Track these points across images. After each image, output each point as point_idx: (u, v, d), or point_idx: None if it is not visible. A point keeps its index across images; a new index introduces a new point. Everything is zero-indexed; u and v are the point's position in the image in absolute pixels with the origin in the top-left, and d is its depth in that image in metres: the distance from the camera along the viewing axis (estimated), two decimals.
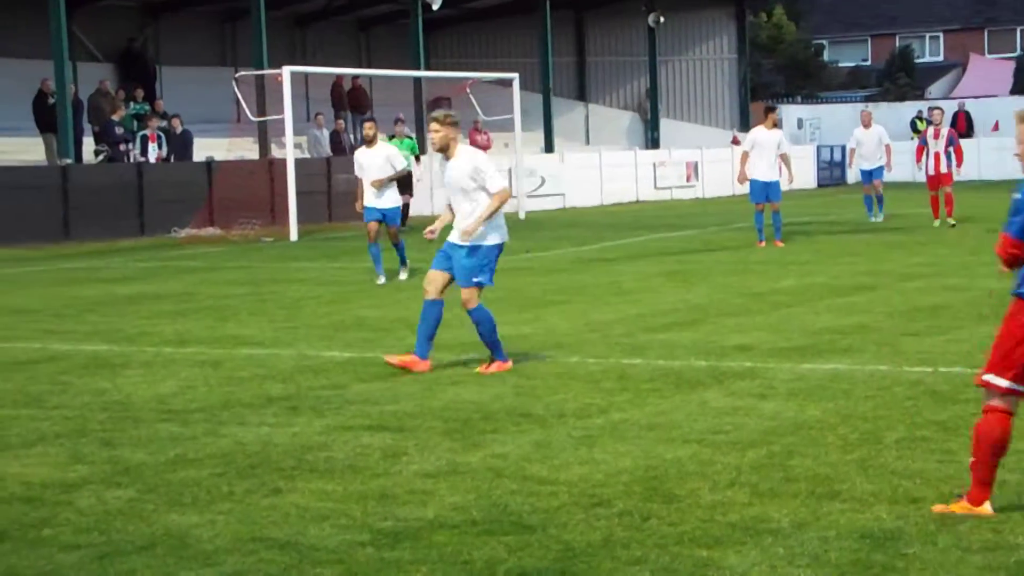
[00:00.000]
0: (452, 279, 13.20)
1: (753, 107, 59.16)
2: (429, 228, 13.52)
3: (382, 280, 21.20)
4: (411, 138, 34.84)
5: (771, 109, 27.34)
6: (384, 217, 21.32)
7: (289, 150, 33.54)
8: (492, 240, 13.08)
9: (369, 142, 21.22)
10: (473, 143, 44.76)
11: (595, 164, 47.23)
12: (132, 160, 35.17)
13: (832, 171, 55.44)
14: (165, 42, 46.08)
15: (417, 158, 34.57)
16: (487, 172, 13.07)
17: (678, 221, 34.59)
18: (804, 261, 23.17)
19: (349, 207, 33.98)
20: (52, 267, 24.49)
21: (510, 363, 12.95)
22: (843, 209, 36.17)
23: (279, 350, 14.45)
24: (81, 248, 29.54)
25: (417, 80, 43.88)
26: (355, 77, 45.83)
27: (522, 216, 39.79)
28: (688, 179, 49.80)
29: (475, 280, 13.01)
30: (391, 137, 34.44)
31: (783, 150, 26.19)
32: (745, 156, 26.51)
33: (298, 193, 32.62)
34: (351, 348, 14.46)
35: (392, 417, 10.74)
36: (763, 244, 26.03)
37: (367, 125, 21.56)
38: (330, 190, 37.44)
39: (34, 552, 7.28)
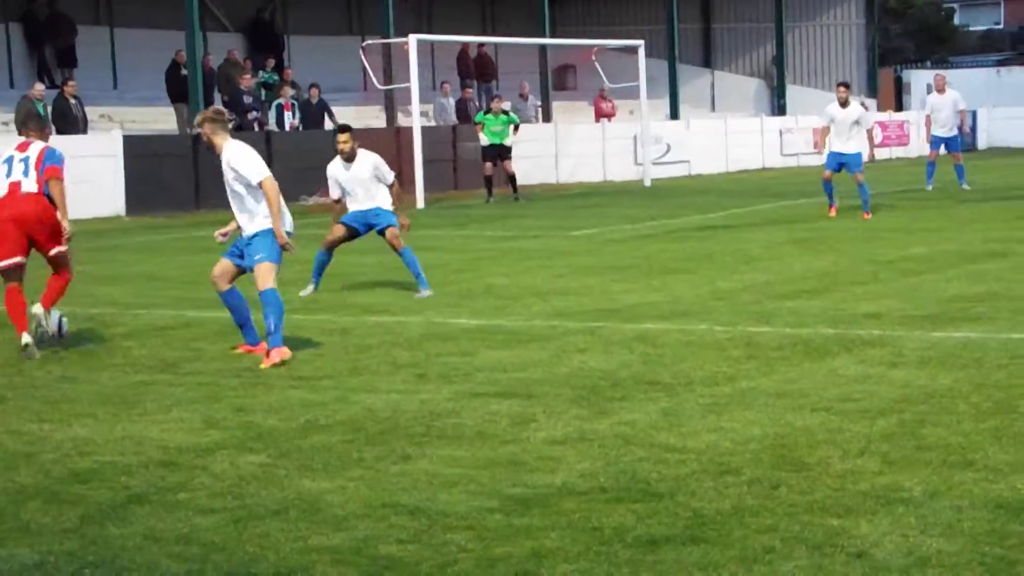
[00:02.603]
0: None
1: (882, 74, 58.49)
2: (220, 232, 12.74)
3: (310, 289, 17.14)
4: (507, 113, 34.75)
5: (843, 85, 27.16)
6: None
7: (415, 118, 33.69)
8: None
9: (348, 157, 16.93)
10: (598, 111, 44.73)
11: (721, 131, 46.96)
12: (260, 128, 35.50)
13: (963, 136, 54.57)
14: (293, 11, 46.42)
15: (516, 128, 34.54)
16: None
17: (805, 188, 34.28)
18: (935, 228, 22.90)
19: (475, 175, 34.23)
20: (185, 235, 24.82)
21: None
22: (974, 174, 35.61)
23: (407, 317, 14.55)
24: (212, 216, 29.85)
25: (542, 48, 43.84)
26: (481, 45, 45.87)
27: (648, 183, 39.68)
28: (815, 146, 49.27)
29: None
30: (487, 112, 34.48)
31: (866, 125, 26.23)
32: (825, 130, 26.84)
33: (424, 161, 32.78)
34: (479, 315, 14.52)
35: (520, 384, 10.78)
36: (834, 212, 25.89)
37: (342, 138, 16.81)
38: (456, 158, 37.58)
39: (171, 515, 7.42)
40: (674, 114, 47.88)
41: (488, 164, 33.58)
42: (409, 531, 7.05)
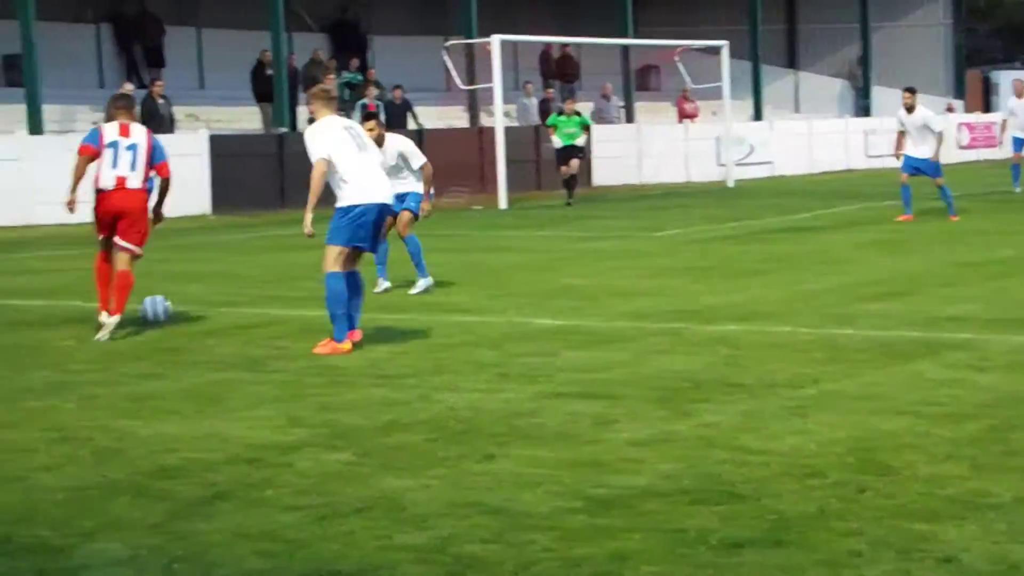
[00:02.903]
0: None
1: (969, 75, 57.94)
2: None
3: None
4: (579, 114, 34.47)
5: (908, 90, 26.96)
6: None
7: (498, 118, 33.75)
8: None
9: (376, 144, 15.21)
10: (681, 112, 44.63)
11: (804, 132, 46.71)
12: None
13: None
14: (377, 12, 46.60)
15: (587, 129, 34.30)
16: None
17: (889, 190, 33.93)
18: (1022, 230, 22.66)
19: (557, 175, 34.17)
20: (269, 233, 25.01)
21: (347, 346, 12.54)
22: None
23: (489, 317, 14.58)
24: (296, 215, 29.99)
25: (625, 48, 43.79)
26: (564, 45, 45.87)
27: (731, 184, 39.54)
28: (895, 150, 48.88)
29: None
30: (559, 113, 34.28)
31: (936, 128, 26.00)
32: (901, 135, 26.56)
33: (507, 161, 32.82)
34: (560, 316, 14.53)
35: (602, 385, 10.78)
36: (907, 217, 25.57)
37: (367, 126, 15.79)
38: (539, 158, 37.59)
39: (257, 511, 7.48)
40: (757, 115, 47.69)
41: (563, 167, 33.49)
42: (491, 531, 7.07)
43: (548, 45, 45.45)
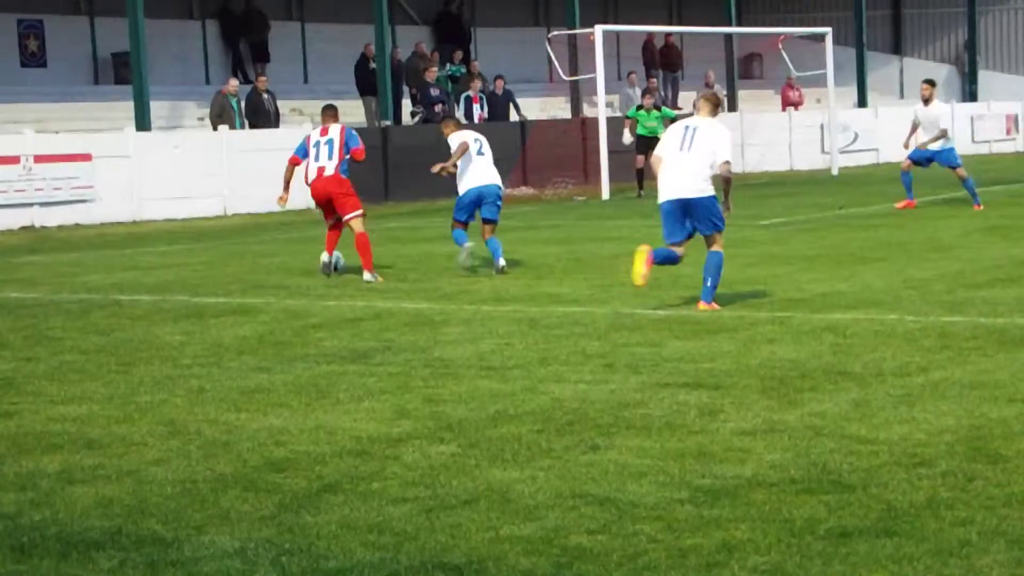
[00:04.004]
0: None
1: None
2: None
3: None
4: (659, 108, 33.70)
5: (928, 82, 26.76)
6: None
7: (601, 109, 33.70)
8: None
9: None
10: (785, 99, 44.33)
11: (910, 118, 46.14)
12: None
13: None
14: (479, 3, 46.69)
15: (671, 121, 33.40)
16: None
17: (998, 175, 33.63)
18: None
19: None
20: (374, 227, 25.01)
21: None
22: None
23: (594, 308, 14.57)
24: (400, 208, 30.22)
25: (728, 36, 43.56)
26: (667, 35, 45.72)
27: (835, 172, 39.23)
28: (1008, 132, 48.34)
29: None
30: (638, 108, 33.71)
31: (942, 125, 25.79)
32: (913, 128, 26.73)
33: (610, 152, 32.76)
34: (666, 306, 14.49)
35: (708, 375, 10.74)
36: (908, 203, 25.84)
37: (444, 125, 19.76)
38: None
39: (365, 504, 7.53)
40: (862, 102, 47.25)
41: (640, 157, 32.74)
42: (599, 521, 7.08)
43: (651, 34, 45.30)
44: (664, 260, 14.31)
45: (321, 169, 18.05)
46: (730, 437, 8.71)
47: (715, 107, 14.71)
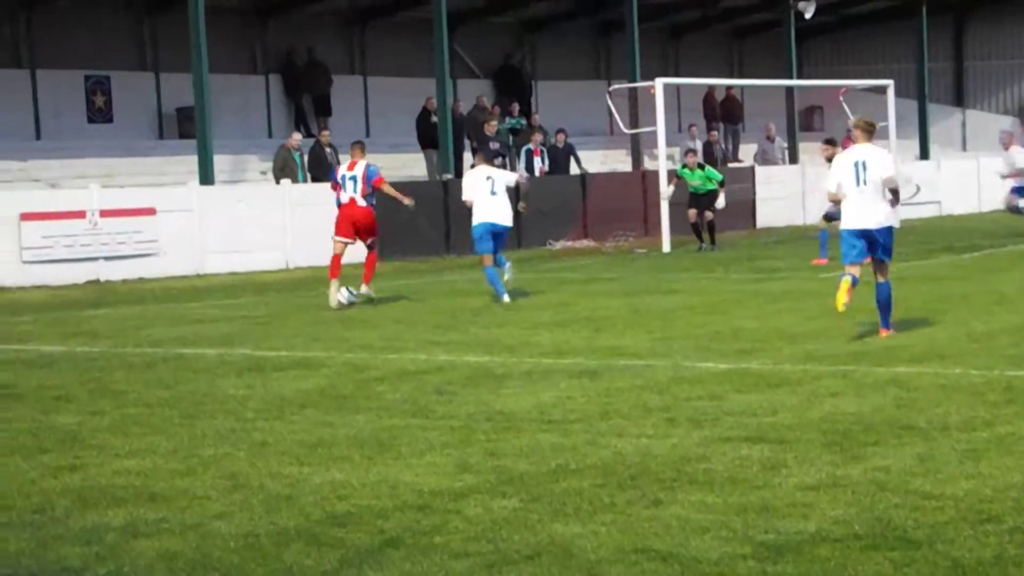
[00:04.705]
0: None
1: None
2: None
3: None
4: (702, 167, 32.59)
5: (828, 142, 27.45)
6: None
7: (662, 161, 33.70)
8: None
9: None
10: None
11: (973, 171, 45.98)
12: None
13: None
14: (540, 56, 46.89)
15: (721, 184, 32.67)
16: None
17: None
18: None
19: (721, 217, 33.87)
20: (436, 279, 25.25)
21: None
22: None
23: (655, 361, 14.54)
24: (461, 260, 30.28)
25: (789, 89, 43.54)
26: (728, 87, 45.74)
27: (897, 224, 39.01)
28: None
29: None
30: (683, 166, 32.94)
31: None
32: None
33: (671, 204, 32.73)
34: (727, 359, 14.45)
35: (770, 428, 10.70)
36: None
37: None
38: None
39: (426, 559, 7.53)
40: (924, 154, 47.08)
41: (692, 211, 32.35)
42: None
43: (711, 87, 45.33)
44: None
45: (352, 199, 21.90)
46: (793, 492, 8.67)
47: (870, 133, 16.19)
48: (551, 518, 8.28)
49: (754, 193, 39.05)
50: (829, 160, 29.34)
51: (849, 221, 16.00)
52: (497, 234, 21.68)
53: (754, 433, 10.55)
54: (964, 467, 9.12)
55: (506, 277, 21.60)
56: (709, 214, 31.98)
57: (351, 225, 21.97)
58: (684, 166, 32.88)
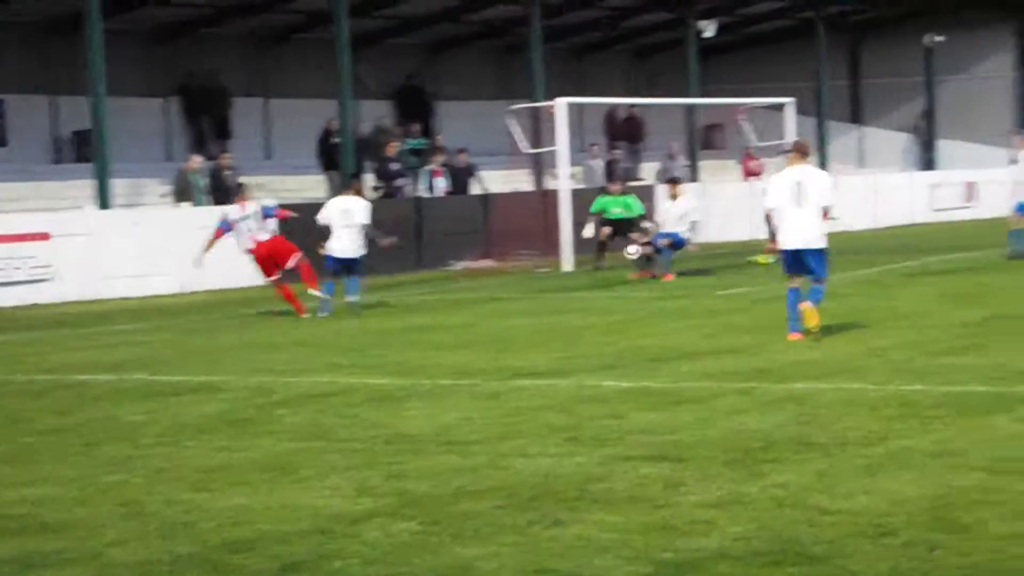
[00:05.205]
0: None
1: None
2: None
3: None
4: (626, 194, 32.04)
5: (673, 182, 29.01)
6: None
7: (563, 181, 33.77)
8: None
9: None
10: (746, 169, 44.54)
11: (870, 187, 46.51)
12: (408, 195, 35.89)
13: None
14: (443, 77, 46.89)
15: (642, 218, 32.00)
16: None
17: (956, 243, 33.84)
18: None
19: (622, 237, 33.91)
20: (338, 301, 25.09)
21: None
22: None
23: (558, 380, 14.56)
24: (363, 282, 30.14)
25: (690, 108, 43.83)
26: (629, 106, 45.97)
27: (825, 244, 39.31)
28: (966, 200, 48.69)
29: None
30: (603, 192, 32.40)
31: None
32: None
33: (573, 224, 32.79)
34: (629, 377, 14.49)
35: (672, 447, 10.73)
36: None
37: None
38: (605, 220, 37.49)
39: None
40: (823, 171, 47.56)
41: (605, 229, 31.70)
42: None
43: (613, 106, 45.54)
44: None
45: (252, 237, 22.61)
46: (694, 510, 8.69)
47: (806, 155, 17.52)
48: (452, 540, 8.25)
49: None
50: (674, 199, 29.89)
51: (787, 240, 16.97)
52: (348, 262, 23.77)
53: (656, 451, 10.57)
54: (862, 482, 9.20)
55: (352, 299, 23.51)
56: (635, 236, 30.90)
57: (268, 262, 22.76)
58: (604, 192, 32.49)
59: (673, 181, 31.11)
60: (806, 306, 16.61)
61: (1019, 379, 13.09)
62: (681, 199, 29.86)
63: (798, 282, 16.98)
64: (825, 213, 16.97)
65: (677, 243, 29.35)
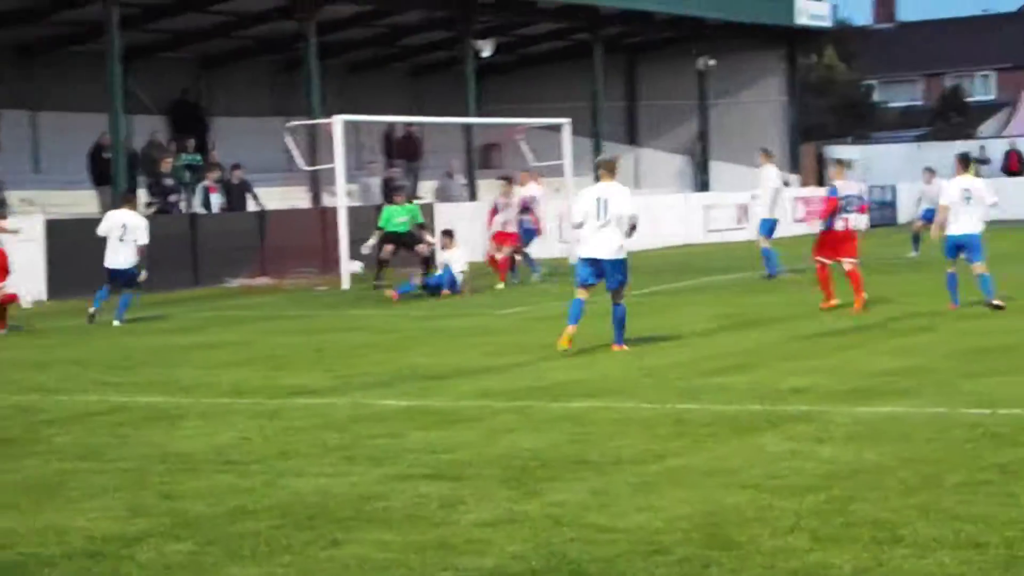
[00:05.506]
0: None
1: (804, 148, 59.06)
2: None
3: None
4: (411, 201, 32.66)
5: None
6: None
7: (341, 198, 33.64)
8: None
9: None
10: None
11: (645, 208, 47.10)
12: (183, 211, 35.43)
13: (883, 211, 55.18)
14: (218, 92, 46.40)
15: (421, 227, 32.25)
16: None
17: (730, 264, 34.49)
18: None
19: (404, 254, 33.92)
20: (107, 318, 24.62)
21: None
22: (896, 248, 36.02)
23: (335, 399, 14.48)
24: (145, 299, 29.66)
25: (467, 127, 44.03)
26: (408, 124, 46.01)
27: (572, 261, 39.76)
28: (739, 221, 49.68)
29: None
30: (391, 202, 32.58)
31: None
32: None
33: (350, 241, 32.69)
34: (407, 396, 14.47)
35: (449, 466, 10.74)
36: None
37: None
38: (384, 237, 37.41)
39: None
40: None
41: (388, 246, 31.82)
42: None
43: (391, 124, 45.54)
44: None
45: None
46: (471, 528, 8.71)
47: (613, 172, 18.60)
48: (228, 561, 8.14)
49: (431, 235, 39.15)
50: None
51: (585, 250, 18.03)
52: (121, 275, 24.45)
53: (433, 470, 10.57)
54: (636, 500, 9.30)
55: (117, 322, 24.07)
56: (425, 248, 31.25)
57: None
58: (392, 201, 32.32)
59: (447, 234, 30.39)
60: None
61: (788, 398, 13.39)
62: (455, 249, 29.66)
63: (586, 293, 18.08)
64: (633, 229, 18.34)
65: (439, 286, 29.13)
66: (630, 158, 56.54)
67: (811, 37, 63.67)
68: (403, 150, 45.91)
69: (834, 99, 75.10)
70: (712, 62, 53.51)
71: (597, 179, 18.64)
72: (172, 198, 35.59)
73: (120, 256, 24.39)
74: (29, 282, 29.62)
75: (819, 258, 22.17)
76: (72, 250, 30.61)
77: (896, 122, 77.70)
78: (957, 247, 21.02)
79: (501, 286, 30.11)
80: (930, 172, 36.57)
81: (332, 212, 34.39)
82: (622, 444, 11.34)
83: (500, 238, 31.86)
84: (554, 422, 12.53)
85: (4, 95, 39.53)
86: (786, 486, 9.51)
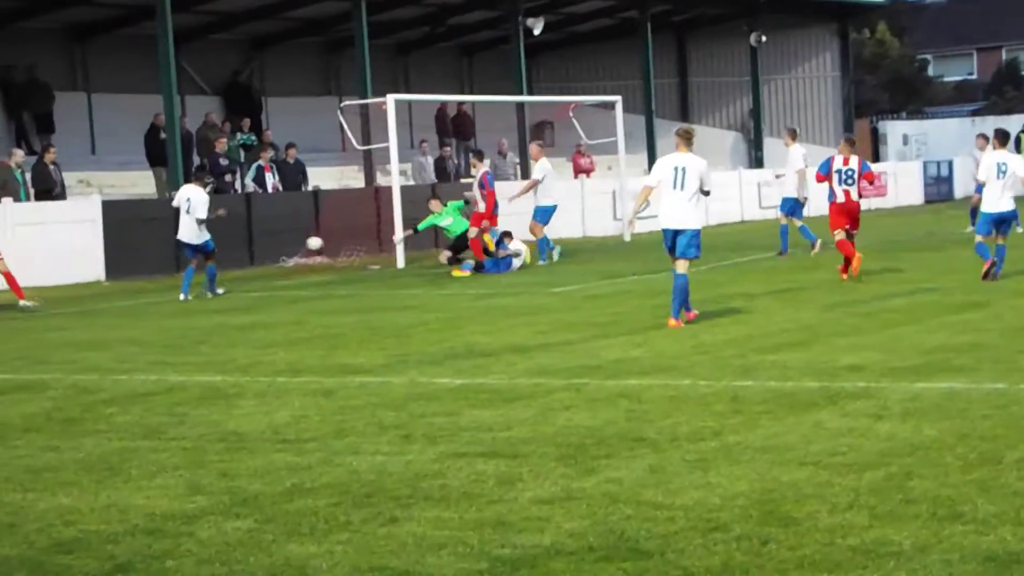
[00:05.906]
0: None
1: (858, 125, 58.76)
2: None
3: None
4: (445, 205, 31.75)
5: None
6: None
7: (394, 177, 33.71)
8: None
9: None
10: (576, 167, 44.85)
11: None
12: (238, 191, 35.57)
13: (939, 187, 54.89)
14: (270, 73, 46.56)
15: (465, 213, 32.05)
16: None
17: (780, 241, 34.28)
18: (915, 279, 22.94)
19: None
20: (165, 299, 24.78)
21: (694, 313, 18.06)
22: (951, 224, 35.81)
23: (391, 378, 14.52)
24: (192, 279, 29.84)
25: (520, 105, 44.01)
26: (460, 103, 46.02)
27: (627, 238, 39.72)
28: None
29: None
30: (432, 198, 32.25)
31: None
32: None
33: (404, 220, 32.74)
34: (462, 374, 14.50)
35: (505, 443, 10.75)
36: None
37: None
38: None
39: None
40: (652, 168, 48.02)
41: (446, 253, 31.30)
42: None
43: (443, 103, 45.58)
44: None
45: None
46: (528, 506, 8.72)
47: (689, 141, 18.11)
48: (286, 538, 8.18)
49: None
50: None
51: (664, 221, 18.06)
52: (194, 247, 25.53)
53: (489, 448, 10.59)
54: (693, 477, 9.29)
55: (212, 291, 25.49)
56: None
57: None
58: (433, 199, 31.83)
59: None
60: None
61: (845, 375, 13.33)
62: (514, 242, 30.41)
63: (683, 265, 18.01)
64: (706, 195, 18.07)
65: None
66: None
67: (863, 11, 63.37)
68: (456, 129, 45.95)
69: (887, 74, 74.65)
70: (764, 38, 53.26)
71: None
72: (227, 178, 35.73)
73: (185, 229, 25.58)
74: (87, 263, 29.86)
75: (836, 231, 23.48)
76: (129, 230, 30.83)
77: (951, 97, 77.22)
78: (995, 222, 21.48)
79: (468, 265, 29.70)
80: (984, 139, 36.29)
81: (386, 191, 34.47)
82: (678, 421, 11.32)
83: (475, 219, 30.81)
84: (610, 399, 12.53)
85: (59, 77, 39.81)
86: (844, 463, 9.48)
